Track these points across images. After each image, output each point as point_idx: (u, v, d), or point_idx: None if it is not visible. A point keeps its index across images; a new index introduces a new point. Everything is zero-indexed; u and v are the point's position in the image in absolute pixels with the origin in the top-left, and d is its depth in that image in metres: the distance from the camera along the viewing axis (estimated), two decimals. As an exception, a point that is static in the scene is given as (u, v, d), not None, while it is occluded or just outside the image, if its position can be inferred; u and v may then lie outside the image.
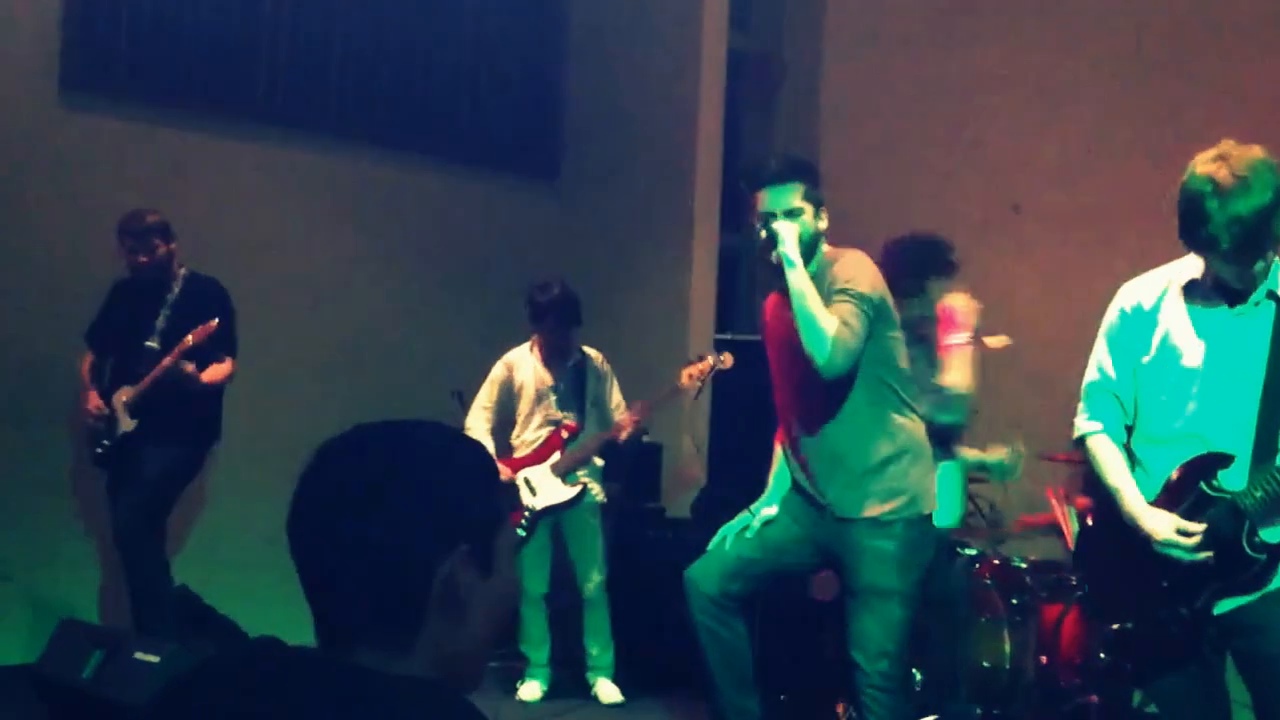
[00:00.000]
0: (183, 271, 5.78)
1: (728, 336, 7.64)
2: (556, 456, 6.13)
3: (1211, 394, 3.26)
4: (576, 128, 8.06)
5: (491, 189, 7.72)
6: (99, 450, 5.71)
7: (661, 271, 7.68)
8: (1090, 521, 3.74)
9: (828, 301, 3.99)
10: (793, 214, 4.07)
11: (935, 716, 5.22)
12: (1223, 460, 3.22)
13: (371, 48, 7.13)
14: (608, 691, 6.20)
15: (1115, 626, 3.44)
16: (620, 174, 7.92)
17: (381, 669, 1.44)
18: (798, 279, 3.98)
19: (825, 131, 7.99)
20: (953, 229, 7.34)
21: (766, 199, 4.10)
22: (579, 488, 6.12)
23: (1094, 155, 6.72)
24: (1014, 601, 5.42)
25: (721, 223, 7.89)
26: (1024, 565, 5.54)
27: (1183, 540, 3.22)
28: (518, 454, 6.20)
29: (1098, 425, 3.47)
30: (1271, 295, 3.23)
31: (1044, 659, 5.39)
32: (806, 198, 4.11)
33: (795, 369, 4.12)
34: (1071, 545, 5.36)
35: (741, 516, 4.49)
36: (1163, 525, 3.25)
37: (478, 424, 6.21)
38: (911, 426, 4.21)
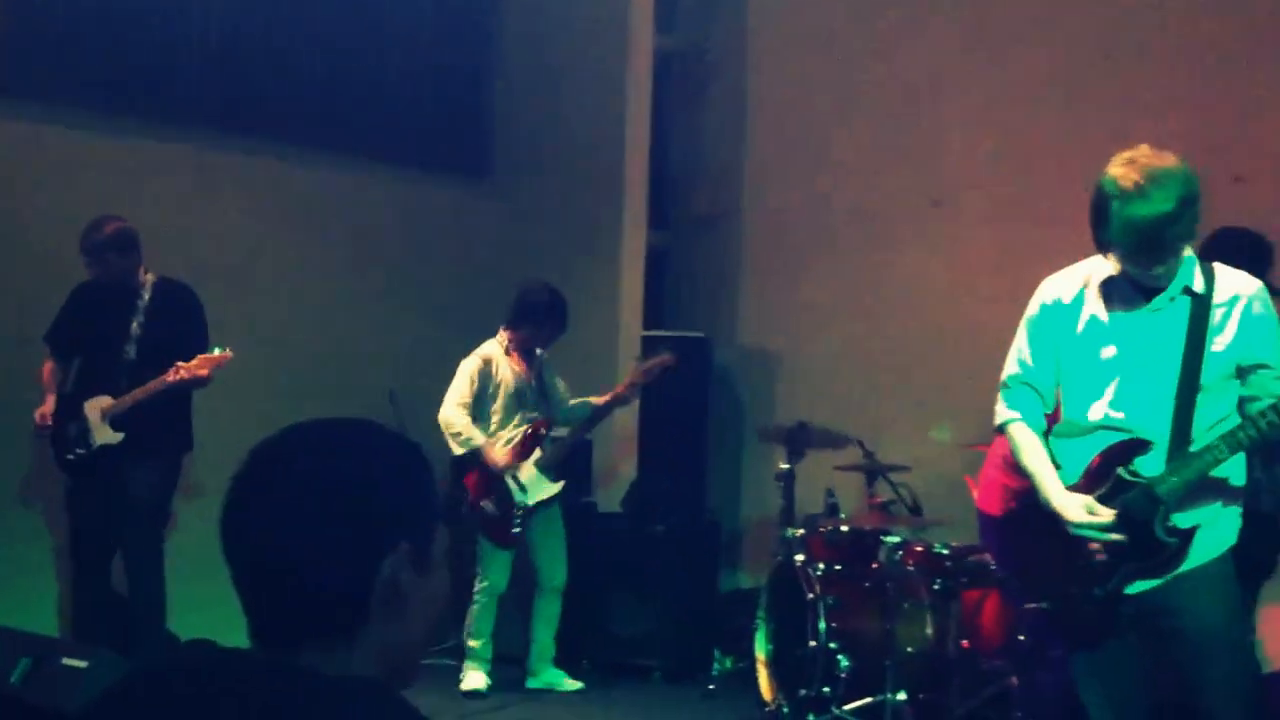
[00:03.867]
0: (150, 278, 5.71)
1: (657, 333, 7.71)
2: (538, 453, 6.24)
3: (1128, 386, 3.35)
4: (508, 126, 8.11)
5: (425, 187, 7.74)
6: (70, 457, 5.61)
7: (591, 268, 7.74)
8: (1013, 504, 3.85)
9: None
10: None
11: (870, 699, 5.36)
12: (1141, 446, 3.31)
13: (303, 48, 7.13)
14: (564, 680, 6.35)
15: (1031, 606, 3.58)
16: (551, 172, 7.96)
17: (321, 669, 1.43)
18: None
19: (752, 130, 8.08)
20: (879, 224, 7.51)
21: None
22: (562, 483, 6.27)
23: (1018, 151, 6.85)
24: (935, 587, 5.53)
25: (650, 221, 7.96)
26: (945, 551, 5.66)
27: (1092, 519, 3.31)
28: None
29: (1015, 414, 3.56)
30: (1187, 291, 3.31)
31: (965, 643, 5.51)
32: None
33: None
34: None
35: None
36: (1074, 507, 3.34)
37: (464, 420, 6.16)
38: None
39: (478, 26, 8.05)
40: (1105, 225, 3.23)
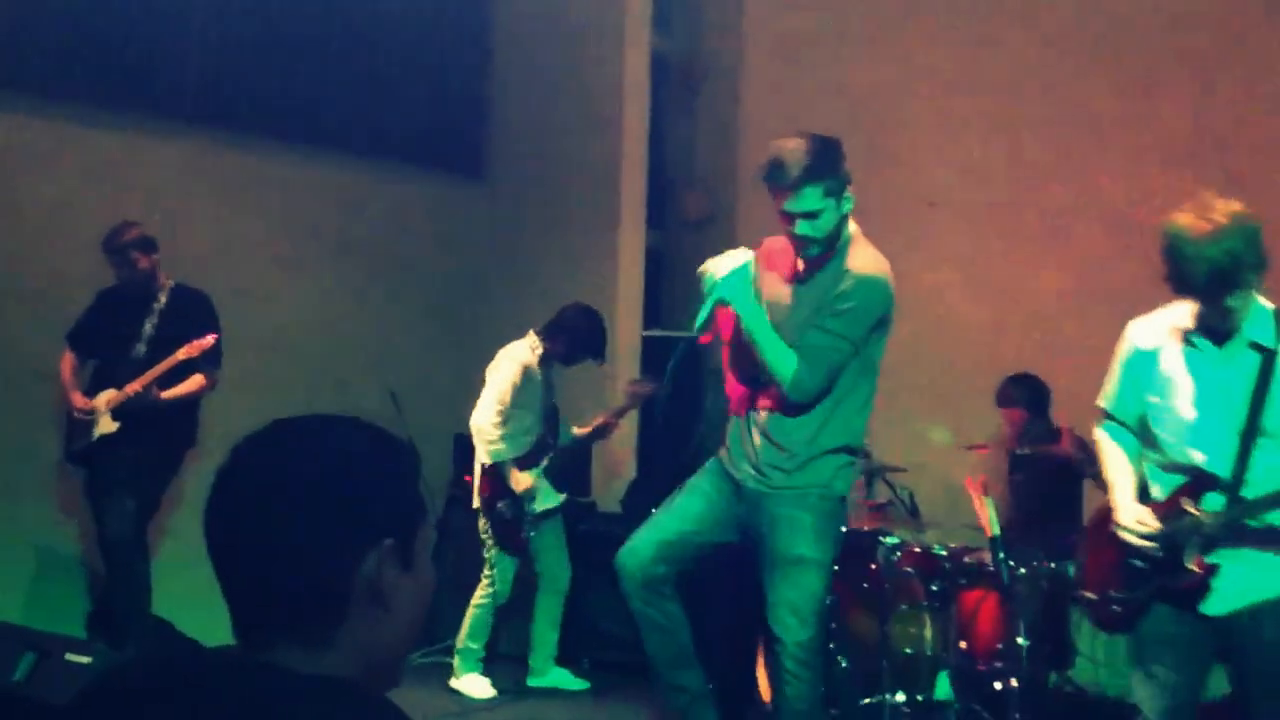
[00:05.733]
0: (169, 282, 5.87)
1: (655, 334, 7.70)
2: (545, 461, 6.25)
3: (1203, 436, 3.54)
4: (503, 127, 8.13)
5: (420, 188, 7.76)
6: (74, 449, 5.78)
7: (588, 269, 7.74)
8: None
9: (828, 302, 4.11)
10: (813, 216, 4.14)
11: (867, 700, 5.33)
12: (1212, 482, 3.51)
13: (298, 46, 7.13)
14: (568, 679, 6.36)
15: (1090, 596, 3.79)
16: (547, 173, 7.97)
17: (299, 668, 1.42)
18: (750, 324, 4.09)
19: (746, 130, 8.07)
20: (872, 227, 7.46)
21: (787, 202, 4.13)
22: (564, 495, 6.31)
23: (1010, 153, 6.86)
24: (934, 588, 5.54)
25: (647, 221, 7.96)
26: (943, 553, 5.66)
27: (1136, 526, 3.55)
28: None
29: (1103, 434, 3.83)
30: (1255, 346, 3.48)
31: (963, 644, 5.52)
32: (827, 194, 4.18)
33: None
34: (989, 533, 5.50)
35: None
36: (1126, 511, 3.61)
37: (499, 430, 6.04)
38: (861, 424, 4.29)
39: (472, 26, 8.06)
40: (1179, 265, 3.37)
